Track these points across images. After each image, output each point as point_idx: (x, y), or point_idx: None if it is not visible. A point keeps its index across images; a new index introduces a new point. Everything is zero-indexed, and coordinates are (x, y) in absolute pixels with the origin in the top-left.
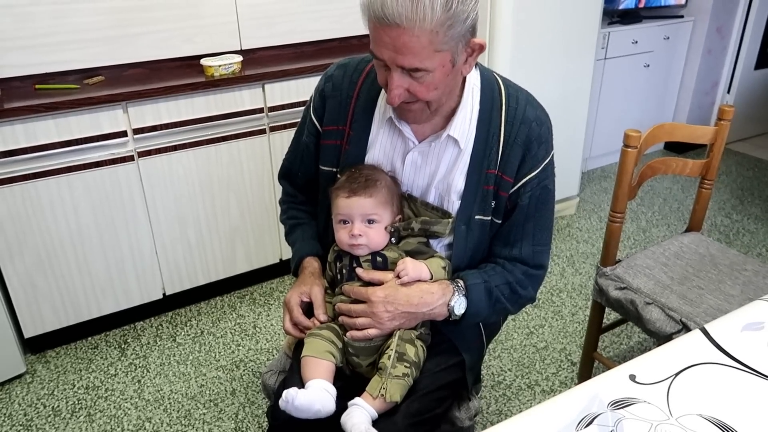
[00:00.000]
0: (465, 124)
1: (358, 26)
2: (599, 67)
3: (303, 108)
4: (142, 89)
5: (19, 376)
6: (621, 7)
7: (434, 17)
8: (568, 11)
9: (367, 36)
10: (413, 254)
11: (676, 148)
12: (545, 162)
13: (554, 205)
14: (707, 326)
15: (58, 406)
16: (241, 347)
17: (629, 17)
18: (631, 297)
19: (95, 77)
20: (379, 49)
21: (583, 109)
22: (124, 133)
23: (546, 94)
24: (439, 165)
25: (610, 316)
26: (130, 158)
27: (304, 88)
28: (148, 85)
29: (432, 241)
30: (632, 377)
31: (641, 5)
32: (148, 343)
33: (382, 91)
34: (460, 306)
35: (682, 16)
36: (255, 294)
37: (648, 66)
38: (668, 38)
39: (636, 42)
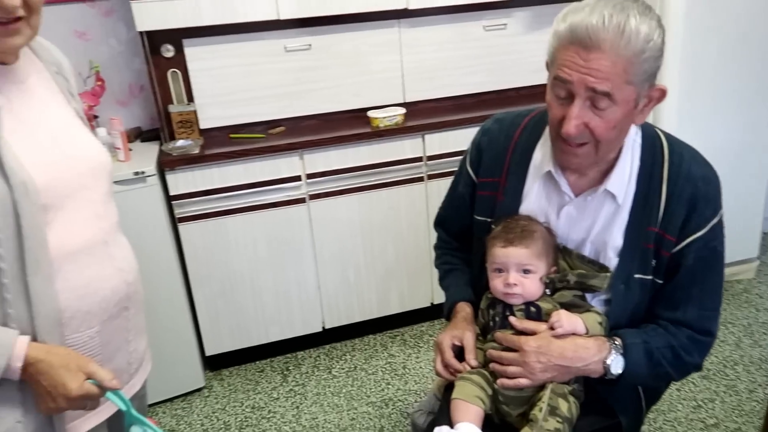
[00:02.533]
0: (624, 179)
1: (514, 79)
2: None
3: (460, 158)
4: (316, 139)
5: (198, 390)
6: None
7: (636, 45)
8: (743, 54)
9: (524, 88)
10: (568, 307)
11: None
12: (713, 222)
13: (723, 267)
14: None
15: (229, 421)
16: (390, 386)
17: None
18: None
19: (278, 128)
20: (569, 72)
21: (762, 162)
22: (298, 178)
23: (717, 145)
24: (596, 220)
25: None
26: (302, 200)
27: (462, 139)
28: (322, 134)
29: (587, 296)
30: None
31: None
32: (307, 372)
33: (538, 145)
34: (616, 365)
35: None
36: (406, 335)
37: None
38: None
39: None
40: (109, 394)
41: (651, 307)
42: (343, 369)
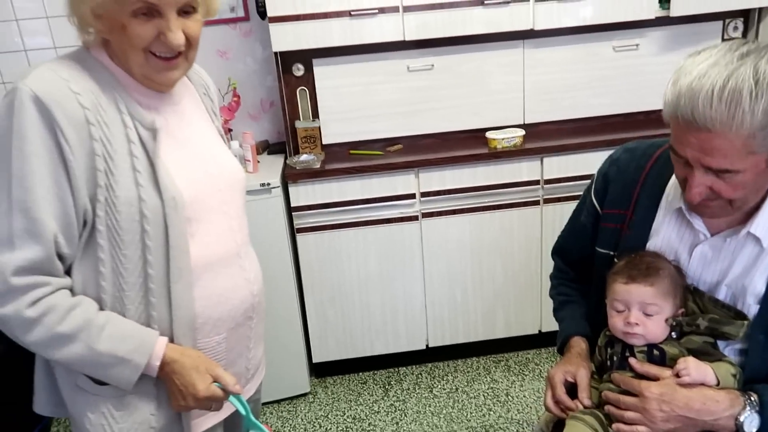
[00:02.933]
0: None
1: (643, 102)
2: None
3: (579, 182)
4: (433, 158)
5: (304, 395)
6: None
7: (753, 122)
8: None
9: (654, 112)
10: (697, 354)
11: None
12: None
13: None
14: None
15: (330, 429)
16: (492, 412)
17: None
18: None
19: (395, 145)
20: (682, 147)
21: None
22: (413, 196)
23: None
24: (734, 263)
25: None
26: (415, 218)
27: (583, 163)
28: (438, 153)
29: (719, 343)
30: None
31: None
32: (408, 388)
33: (672, 179)
34: (751, 423)
35: None
36: (510, 361)
37: None
38: None
39: None
40: (231, 398)
41: None
42: (444, 389)
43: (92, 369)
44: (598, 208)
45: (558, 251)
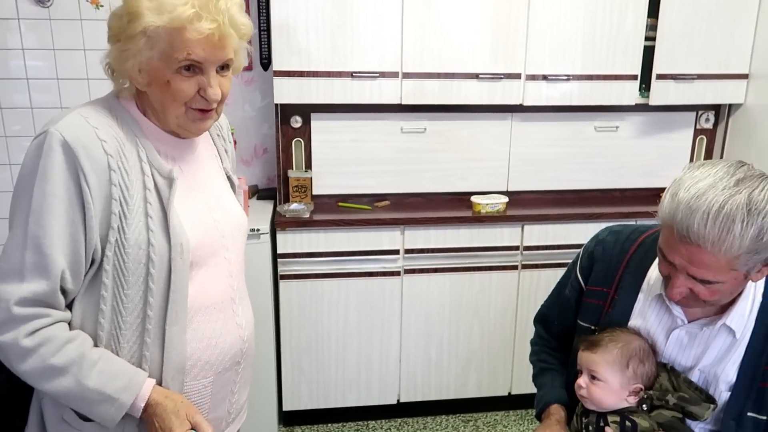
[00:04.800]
0: (744, 315)
1: (620, 180)
2: None
3: (557, 251)
4: (419, 217)
5: None
6: None
7: (741, 246)
8: None
9: (629, 190)
10: (667, 428)
11: None
12: None
13: None
14: None
15: None
16: None
17: None
18: None
19: (383, 201)
20: (672, 254)
21: None
22: (396, 252)
23: None
24: (707, 350)
25: None
26: (397, 273)
27: (563, 233)
28: (424, 213)
29: (690, 422)
30: None
31: None
32: None
33: (654, 265)
34: None
35: None
36: (479, 422)
37: None
38: None
39: None
40: None
41: None
42: None
43: (79, 404)
44: (583, 284)
45: (540, 320)
